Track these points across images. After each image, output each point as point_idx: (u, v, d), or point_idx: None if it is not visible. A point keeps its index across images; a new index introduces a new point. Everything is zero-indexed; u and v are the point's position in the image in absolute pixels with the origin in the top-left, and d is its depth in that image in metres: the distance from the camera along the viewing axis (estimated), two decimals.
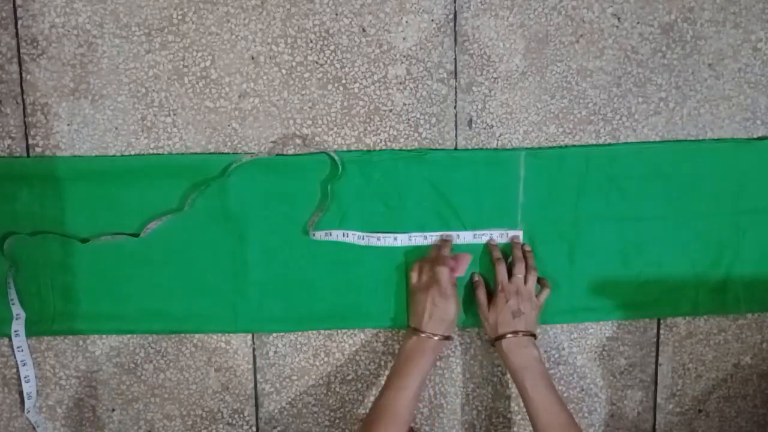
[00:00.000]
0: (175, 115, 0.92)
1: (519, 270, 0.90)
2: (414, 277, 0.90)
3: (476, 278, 0.93)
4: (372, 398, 0.97)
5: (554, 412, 0.82)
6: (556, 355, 0.98)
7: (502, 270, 0.91)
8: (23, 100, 0.91)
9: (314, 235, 0.91)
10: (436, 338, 0.86)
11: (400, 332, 0.96)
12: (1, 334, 0.94)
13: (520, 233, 0.93)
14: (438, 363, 0.98)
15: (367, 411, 0.89)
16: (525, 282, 0.90)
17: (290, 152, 0.93)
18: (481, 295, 0.92)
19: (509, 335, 0.86)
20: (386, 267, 0.94)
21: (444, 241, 0.92)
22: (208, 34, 0.91)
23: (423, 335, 0.86)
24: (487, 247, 0.93)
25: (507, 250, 0.94)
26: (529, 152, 0.93)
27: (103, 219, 0.92)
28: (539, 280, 0.92)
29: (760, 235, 0.96)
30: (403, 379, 0.84)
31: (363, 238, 0.92)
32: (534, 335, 0.88)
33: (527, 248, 0.93)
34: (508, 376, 0.98)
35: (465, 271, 0.90)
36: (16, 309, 0.92)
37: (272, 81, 0.91)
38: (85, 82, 0.91)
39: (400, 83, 0.92)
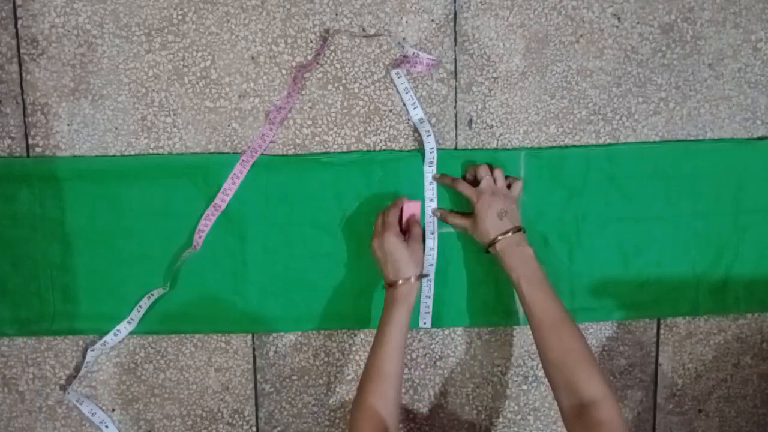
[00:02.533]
0: (175, 115, 0.92)
1: (484, 172, 0.89)
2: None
3: (438, 213, 0.92)
4: None
5: (547, 308, 0.82)
6: None
7: (463, 184, 0.89)
8: (23, 100, 0.91)
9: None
10: (399, 285, 0.84)
11: None
12: (1, 333, 0.94)
13: None
14: (438, 363, 0.98)
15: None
16: (495, 182, 0.89)
17: (290, 152, 0.93)
18: (457, 219, 0.91)
19: (500, 237, 0.85)
20: None
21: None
22: (208, 34, 0.91)
23: (392, 286, 0.85)
24: (438, 180, 0.92)
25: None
26: (529, 152, 0.93)
27: (103, 219, 0.92)
28: (507, 178, 0.91)
29: (760, 235, 0.96)
30: (379, 339, 0.84)
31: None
32: (522, 229, 0.87)
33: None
34: (508, 375, 0.98)
35: (417, 213, 0.90)
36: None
37: (272, 81, 0.91)
38: (85, 82, 0.91)
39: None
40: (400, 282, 0.84)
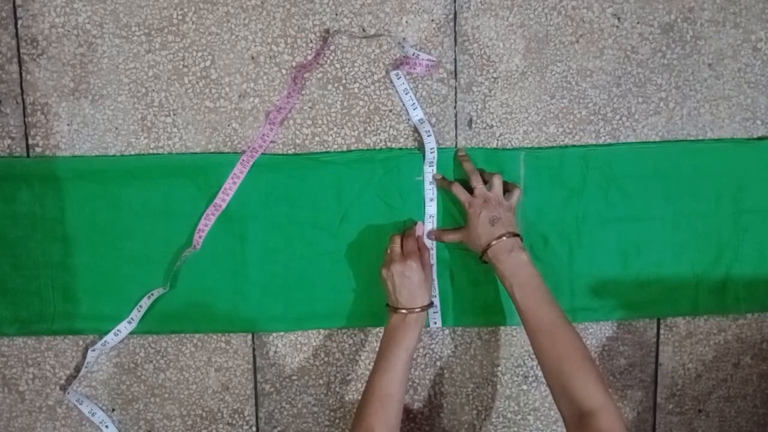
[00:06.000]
0: (175, 115, 0.92)
1: (477, 180, 0.88)
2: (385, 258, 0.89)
3: (433, 236, 0.92)
4: None
5: (541, 315, 0.80)
6: None
7: (458, 188, 0.89)
8: (23, 100, 0.91)
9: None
10: (411, 312, 0.84)
11: None
12: (1, 333, 0.94)
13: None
14: (438, 363, 0.98)
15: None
16: (492, 188, 0.88)
17: (290, 152, 0.93)
18: (451, 235, 0.91)
19: (493, 242, 0.84)
20: None
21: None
22: (208, 34, 0.91)
23: (400, 312, 0.85)
24: (437, 183, 0.92)
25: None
26: (528, 152, 0.93)
27: (103, 219, 0.92)
28: (506, 185, 0.90)
29: (760, 235, 0.96)
30: (387, 361, 0.83)
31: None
32: (518, 235, 0.85)
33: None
34: (508, 376, 0.98)
35: (422, 233, 0.92)
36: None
37: (272, 81, 0.91)
38: (85, 82, 0.91)
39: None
40: (417, 309, 0.84)
